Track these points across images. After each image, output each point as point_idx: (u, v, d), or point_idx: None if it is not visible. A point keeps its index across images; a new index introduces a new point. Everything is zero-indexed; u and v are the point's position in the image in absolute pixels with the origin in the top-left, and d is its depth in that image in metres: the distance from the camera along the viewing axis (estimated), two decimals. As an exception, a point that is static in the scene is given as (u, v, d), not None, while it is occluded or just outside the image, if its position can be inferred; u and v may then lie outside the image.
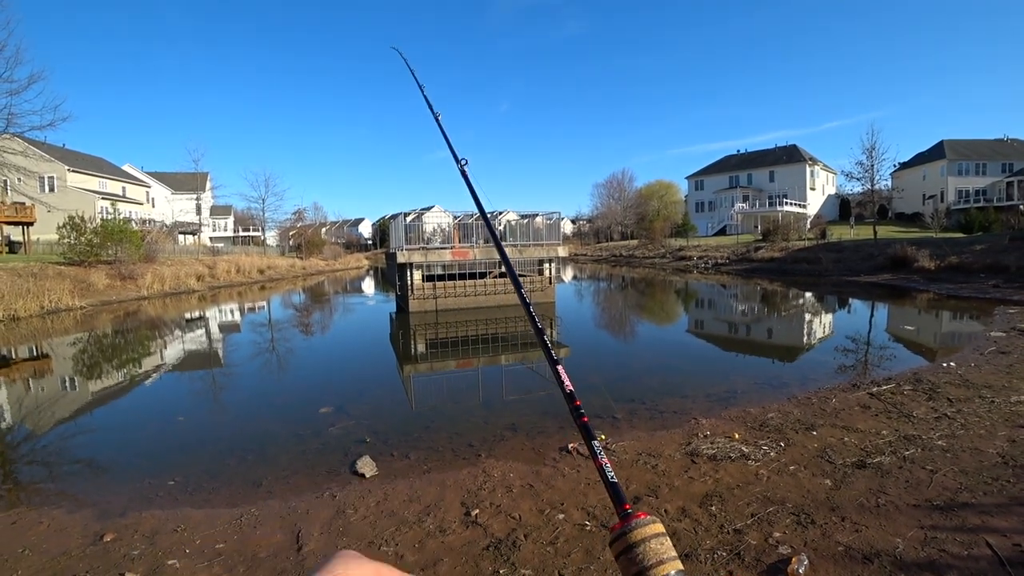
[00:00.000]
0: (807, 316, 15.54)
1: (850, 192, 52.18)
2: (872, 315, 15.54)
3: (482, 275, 18.76)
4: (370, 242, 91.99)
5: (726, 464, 4.55)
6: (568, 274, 37.63)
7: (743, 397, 6.92)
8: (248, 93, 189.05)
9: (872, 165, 33.10)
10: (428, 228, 20.37)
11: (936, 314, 14.80)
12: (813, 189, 60.10)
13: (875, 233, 32.86)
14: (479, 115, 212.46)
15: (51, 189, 39.71)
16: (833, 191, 64.55)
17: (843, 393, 6.65)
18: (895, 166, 50.14)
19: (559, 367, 0.62)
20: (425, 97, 1.73)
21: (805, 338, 12.07)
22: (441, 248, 17.82)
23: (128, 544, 3.71)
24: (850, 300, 18.64)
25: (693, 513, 3.73)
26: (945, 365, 7.84)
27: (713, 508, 3.78)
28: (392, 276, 20.26)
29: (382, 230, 78.36)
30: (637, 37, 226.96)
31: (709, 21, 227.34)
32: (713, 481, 4.23)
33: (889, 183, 53.74)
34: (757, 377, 8.23)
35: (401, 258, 16.53)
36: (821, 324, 14.00)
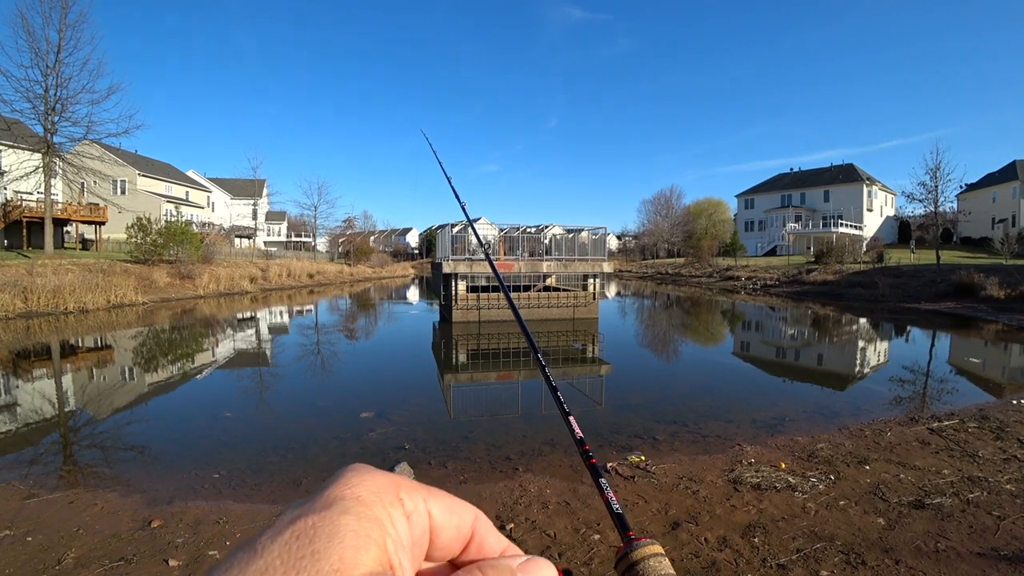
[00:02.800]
0: (861, 343, 14.83)
1: (910, 214, 49.70)
2: (933, 345, 14.69)
3: (526, 288, 18.79)
4: (417, 251, 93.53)
5: (771, 494, 4.37)
6: (612, 290, 37.23)
7: (791, 425, 6.65)
8: (307, 104, 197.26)
9: (936, 186, 31.42)
10: (473, 239, 20.56)
11: (1005, 347, 13.87)
12: (870, 210, 57.76)
13: (938, 258, 31.16)
14: (528, 130, 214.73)
15: (122, 192, 42.27)
16: (892, 213, 61.86)
17: (900, 427, 6.29)
18: (961, 187, 47.56)
19: (571, 418, 0.66)
20: (441, 166, 2.13)
21: (859, 366, 11.50)
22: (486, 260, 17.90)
23: (173, 532, 3.85)
24: (909, 328, 17.70)
25: (734, 544, 3.59)
26: (1016, 402, 7.33)
27: (756, 540, 3.62)
28: (437, 286, 20.53)
29: (429, 240, 79.60)
30: (689, 54, 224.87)
31: (763, 38, 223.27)
32: (757, 511, 4.07)
33: (955, 205, 50.88)
34: (806, 405, 7.90)
35: (446, 268, 16.74)
36: (876, 352, 13.32)
